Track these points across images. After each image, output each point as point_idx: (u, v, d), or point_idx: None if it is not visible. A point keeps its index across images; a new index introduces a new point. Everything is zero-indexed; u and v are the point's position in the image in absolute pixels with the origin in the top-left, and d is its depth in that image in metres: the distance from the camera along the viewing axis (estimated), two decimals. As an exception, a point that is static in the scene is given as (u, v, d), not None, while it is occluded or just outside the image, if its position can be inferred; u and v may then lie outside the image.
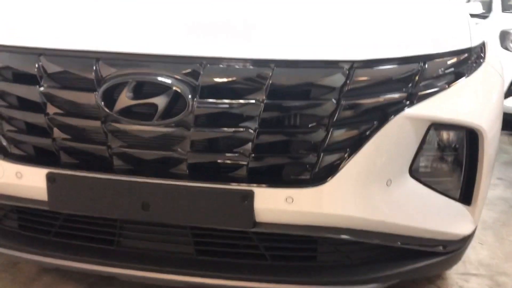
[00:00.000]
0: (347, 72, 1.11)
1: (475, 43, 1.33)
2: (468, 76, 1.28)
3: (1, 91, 1.24)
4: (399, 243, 1.25)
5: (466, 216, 1.34)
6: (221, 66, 1.12)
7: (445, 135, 1.28)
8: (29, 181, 1.24)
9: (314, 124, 1.12)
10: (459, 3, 1.53)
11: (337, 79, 1.11)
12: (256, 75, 1.10)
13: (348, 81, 1.11)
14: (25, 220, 1.37)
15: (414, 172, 1.24)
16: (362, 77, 1.13)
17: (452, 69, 1.24)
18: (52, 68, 1.18)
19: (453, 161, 1.31)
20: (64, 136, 1.20)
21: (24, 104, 1.22)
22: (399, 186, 1.21)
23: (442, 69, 1.22)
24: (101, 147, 1.18)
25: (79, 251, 1.30)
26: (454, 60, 1.25)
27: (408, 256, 1.30)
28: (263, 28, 1.18)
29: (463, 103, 1.24)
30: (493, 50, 1.55)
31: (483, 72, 1.34)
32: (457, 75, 1.25)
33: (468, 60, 1.28)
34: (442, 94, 1.21)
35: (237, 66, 1.11)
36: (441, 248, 1.32)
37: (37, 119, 1.21)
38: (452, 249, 1.34)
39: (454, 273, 1.92)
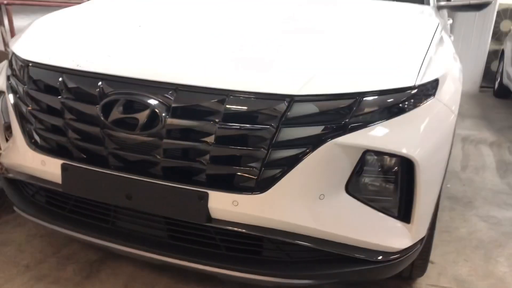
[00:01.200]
0: (287, 104, 1.36)
1: (423, 81, 1.49)
2: (408, 111, 1.46)
3: (35, 98, 1.63)
4: (331, 248, 1.47)
5: (404, 232, 1.53)
6: (188, 92, 1.41)
7: (382, 160, 1.48)
8: (49, 168, 1.62)
9: (257, 144, 1.38)
10: (424, 41, 1.67)
11: (277, 109, 1.36)
12: (214, 101, 1.39)
13: (287, 112, 1.36)
14: (50, 198, 1.77)
15: (351, 190, 1.46)
16: (299, 108, 1.37)
17: (389, 104, 1.43)
18: (69, 84, 1.55)
19: (391, 183, 1.50)
20: (75, 136, 1.56)
21: (49, 109, 1.60)
22: (332, 201, 1.44)
23: (378, 104, 1.42)
24: (100, 147, 1.53)
25: (84, 226, 1.67)
26: (392, 96, 1.43)
27: (345, 260, 1.52)
28: (222, 65, 1.46)
29: (397, 135, 1.43)
30: (451, 83, 1.69)
31: (428, 108, 1.50)
32: (395, 110, 1.44)
33: (409, 97, 1.46)
34: (376, 126, 1.41)
35: (200, 93, 1.40)
36: (376, 257, 1.52)
37: (57, 121, 1.58)
38: (387, 259, 1.53)
39: (424, 283, 2.08)
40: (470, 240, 2.48)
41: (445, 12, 2.72)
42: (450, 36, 3.29)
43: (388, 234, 1.52)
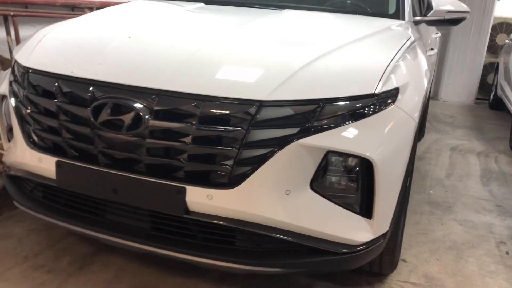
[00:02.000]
0: (256, 108, 1.52)
1: (383, 89, 1.64)
2: (368, 116, 1.62)
3: (33, 101, 1.80)
4: (296, 240, 1.62)
5: (365, 227, 1.68)
6: (168, 97, 1.58)
7: (344, 161, 1.63)
8: (45, 165, 1.79)
9: (229, 144, 1.54)
10: (389, 54, 1.83)
11: (247, 113, 1.52)
12: (191, 105, 1.55)
13: (256, 115, 1.52)
14: (46, 193, 1.93)
15: (315, 187, 1.61)
16: (267, 112, 1.53)
17: (350, 110, 1.59)
18: (64, 88, 1.72)
19: (352, 181, 1.65)
20: (68, 136, 1.73)
21: (46, 111, 1.77)
22: (298, 196, 1.59)
23: (340, 110, 1.58)
24: (91, 146, 1.69)
25: (76, 218, 1.83)
26: (353, 103, 1.59)
27: (311, 251, 1.66)
28: (199, 72, 1.63)
29: (357, 137, 1.58)
30: (414, 93, 1.85)
31: (387, 114, 1.66)
32: (355, 115, 1.60)
33: (369, 104, 1.62)
34: (338, 129, 1.57)
35: (179, 98, 1.57)
36: (340, 249, 1.66)
37: (53, 122, 1.75)
38: (350, 251, 1.68)
39: (395, 279, 2.22)
40: (444, 242, 2.61)
41: (424, 26, 2.87)
42: (431, 49, 3.45)
43: (351, 228, 1.67)
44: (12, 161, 1.96)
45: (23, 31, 3.39)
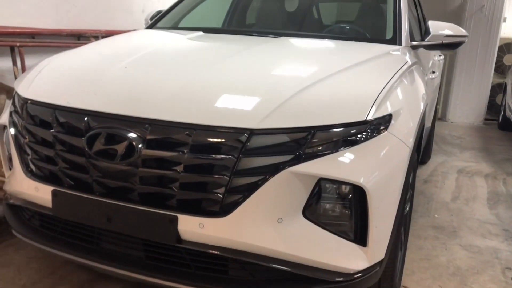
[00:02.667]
0: (247, 136, 1.53)
1: (375, 116, 1.64)
2: (360, 143, 1.61)
3: (31, 131, 1.83)
4: (290, 269, 1.60)
5: (360, 255, 1.66)
6: (161, 126, 1.60)
7: (336, 188, 1.62)
8: (42, 194, 1.81)
9: (220, 172, 1.55)
10: (382, 80, 1.84)
11: (238, 141, 1.53)
12: (183, 134, 1.57)
13: (246, 143, 1.53)
14: (43, 221, 1.94)
15: (308, 214, 1.60)
16: (258, 140, 1.54)
17: (342, 137, 1.59)
18: (60, 118, 1.75)
19: (346, 209, 1.64)
20: (64, 165, 1.75)
21: (42, 141, 1.80)
22: (290, 224, 1.58)
23: (331, 136, 1.58)
24: (86, 175, 1.71)
25: (72, 246, 1.83)
26: (344, 130, 1.59)
27: (306, 280, 1.64)
28: (191, 102, 1.65)
29: (348, 164, 1.58)
30: (409, 119, 1.84)
31: (379, 141, 1.65)
32: (347, 142, 1.60)
33: (360, 130, 1.62)
34: (330, 156, 1.57)
35: (171, 127, 1.59)
36: (334, 278, 1.64)
37: (49, 152, 1.77)
38: (345, 280, 1.65)
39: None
40: (448, 268, 2.56)
41: (424, 50, 2.88)
42: (433, 72, 3.45)
43: (346, 256, 1.65)
44: (12, 190, 1.99)
45: (29, 61, 3.47)
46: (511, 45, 7.90)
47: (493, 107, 7.79)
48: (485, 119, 7.25)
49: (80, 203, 1.73)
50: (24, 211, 2.02)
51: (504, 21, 7.01)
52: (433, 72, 3.55)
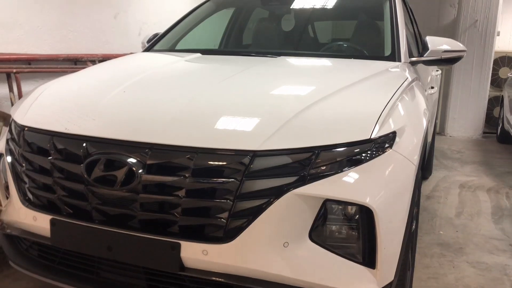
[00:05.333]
0: (249, 159, 1.49)
1: (379, 134, 1.61)
2: (365, 162, 1.58)
3: (28, 159, 1.79)
4: (298, 294, 1.55)
5: (369, 277, 1.60)
6: (161, 150, 1.56)
7: (343, 209, 1.58)
8: (40, 223, 1.76)
9: (224, 196, 1.50)
10: (384, 97, 1.81)
11: (241, 164, 1.49)
12: (184, 158, 1.53)
13: (249, 166, 1.49)
14: (41, 251, 1.89)
15: (314, 237, 1.56)
16: (261, 162, 1.50)
17: (346, 156, 1.55)
18: (58, 145, 1.71)
19: (353, 230, 1.59)
20: (62, 193, 1.71)
21: (40, 168, 1.76)
22: (297, 248, 1.53)
23: (336, 156, 1.54)
24: (85, 203, 1.67)
25: (71, 277, 1.78)
26: (348, 149, 1.56)
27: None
28: (191, 125, 1.61)
29: (354, 184, 1.54)
30: (413, 136, 1.81)
31: (385, 159, 1.62)
32: (352, 161, 1.56)
33: (365, 149, 1.58)
34: (335, 176, 1.53)
35: (172, 151, 1.55)
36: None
37: (47, 180, 1.73)
38: (354, 304, 1.60)
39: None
40: (456, 286, 2.50)
41: (422, 65, 2.87)
42: (432, 87, 3.45)
43: (354, 279, 1.59)
44: (9, 220, 1.94)
45: (26, 87, 3.45)
46: (506, 58, 7.95)
47: (491, 120, 7.80)
48: (484, 132, 7.24)
49: (79, 232, 1.68)
50: (22, 241, 1.96)
51: (498, 35, 7.06)
52: (432, 88, 3.54)
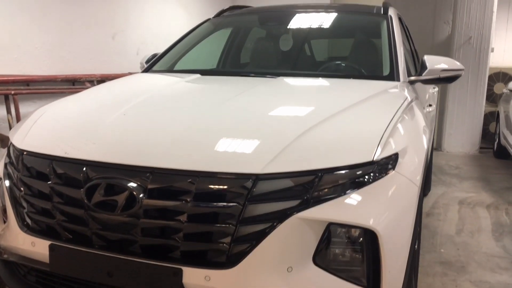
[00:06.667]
0: (252, 182, 1.48)
1: (381, 156, 1.60)
2: (368, 184, 1.57)
3: (27, 184, 1.77)
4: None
5: (374, 301, 1.58)
6: (162, 174, 1.55)
7: (347, 232, 1.56)
8: (39, 249, 1.73)
9: (226, 220, 1.48)
10: (385, 119, 1.81)
11: (243, 188, 1.48)
12: (186, 182, 1.51)
13: (252, 189, 1.48)
14: (39, 277, 1.86)
15: (318, 261, 1.53)
16: (264, 186, 1.49)
17: (349, 178, 1.54)
18: (58, 170, 1.69)
19: (357, 253, 1.58)
20: (62, 218, 1.68)
21: (39, 193, 1.74)
22: (301, 272, 1.51)
23: (339, 179, 1.53)
24: (84, 228, 1.64)
25: (71, 304, 1.75)
26: (351, 172, 1.55)
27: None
28: (192, 149, 1.60)
29: (358, 207, 1.53)
30: (415, 156, 1.80)
31: (388, 181, 1.61)
32: (355, 183, 1.55)
33: (368, 171, 1.57)
34: (338, 199, 1.52)
35: (173, 175, 1.54)
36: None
37: (46, 205, 1.71)
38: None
39: None
40: (460, 307, 2.48)
41: (419, 84, 2.88)
42: (430, 105, 3.46)
43: (359, 304, 1.57)
44: (6, 245, 1.91)
45: (24, 108, 3.44)
46: (500, 74, 8.02)
47: (487, 135, 7.83)
48: (480, 147, 7.26)
49: (79, 257, 1.66)
50: (19, 267, 1.93)
51: (492, 51, 7.13)
52: (430, 105, 3.55)
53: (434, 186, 5.02)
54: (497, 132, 6.85)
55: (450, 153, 7.16)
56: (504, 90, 6.86)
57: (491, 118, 7.85)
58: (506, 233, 3.66)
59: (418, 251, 2.36)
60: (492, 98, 7.99)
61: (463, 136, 7.15)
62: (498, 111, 6.98)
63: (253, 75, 2.62)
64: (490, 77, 7.52)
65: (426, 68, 2.61)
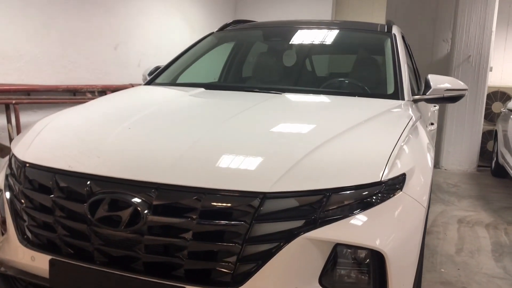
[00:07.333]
0: (259, 201, 1.46)
1: (389, 176, 1.59)
2: (375, 205, 1.55)
3: (29, 196, 1.74)
4: None
5: (383, 324, 1.56)
6: (168, 190, 1.52)
7: (354, 253, 1.54)
8: (38, 263, 1.70)
9: (232, 239, 1.46)
10: (392, 139, 1.80)
11: (250, 206, 1.46)
12: (192, 199, 1.49)
13: (259, 208, 1.46)
14: (38, 292, 1.82)
15: (324, 282, 1.51)
16: (271, 205, 1.47)
17: (357, 199, 1.53)
18: (61, 183, 1.67)
19: (364, 274, 1.55)
20: (64, 232, 1.65)
21: (41, 207, 1.71)
22: (307, 294, 1.49)
23: (347, 199, 1.52)
24: (87, 243, 1.61)
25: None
26: (359, 192, 1.53)
27: None
28: (199, 165, 1.58)
29: (365, 228, 1.51)
30: (421, 176, 1.79)
31: (395, 201, 1.60)
32: (363, 204, 1.53)
33: (375, 192, 1.56)
34: (346, 220, 1.50)
35: (179, 192, 1.51)
36: None
37: (48, 218, 1.68)
38: None
39: None
40: (462, 329, 2.44)
41: (421, 103, 2.88)
42: (432, 124, 3.46)
43: (365, 326, 1.54)
44: (5, 258, 1.87)
45: (24, 117, 3.41)
46: (498, 93, 8.07)
47: (485, 153, 7.84)
48: (478, 166, 7.27)
49: (80, 273, 1.62)
50: (17, 281, 1.89)
51: (491, 70, 7.17)
52: (432, 124, 3.55)
53: (433, 204, 5.01)
54: (495, 151, 6.87)
55: (448, 171, 7.16)
56: (502, 109, 6.90)
57: (489, 136, 7.88)
58: (506, 253, 3.63)
59: (421, 271, 2.33)
60: (490, 117, 8.02)
61: (461, 154, 7.16)
62: (496, 130, 7.01)
63: (257, 90, 2.61)
64: (488, 96, 7.56)
65: (430, 87, 2.61)
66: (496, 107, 8.07)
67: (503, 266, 3.36)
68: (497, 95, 8.07)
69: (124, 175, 1.59)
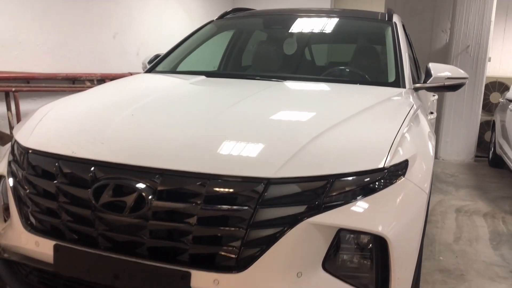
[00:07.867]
0: (263, 186, 1.47)
1: (392, 162, 1.60)
2: (378, 191, 1.56)
3: (32, 182, 1.74)
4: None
5: (383, 308, 1.57)
6: (173, 176, 1.53)
7: (357, 238, 1.56)
8: (43, 249, 1.70)
9: (236, 224, 1.47)
10: (395, 125, 1.81)
11: (255, 191, 1.47)
12: (197, 184, 1.50)
13: (263, 193, 1.47)
14: (42, 277, 1.83)
15: (327, 267, 1.52)
16: (275, 190, 1.48)
17: (360, 185, 1.54)
18: (64, 169, 1.67)
19: (366, 260, 1.57)
20: (68, 218, 1.66)
21: (45, 192, 1.71)
22: (310, 278, 1.50)
23: (350, 185, 1.53)
24: (91, 229, 1.62)
25: (74, 305, 1.72)
26: (362, 178, 1.54)
27: None
28: (204, 150, 1.59)
29: (368, 214, 1.52)
30: (423, 163, 1.80)
31: (398, 188, 1.61)
32: (366, 190, 1.54)
33: (378, 178, 1.57)
34: (349, 205, 1.51)
35: (184, 177, 1.52)
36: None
37: (51, 204, 1.68)
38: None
39: None
40: (461, 315, 2.47)
41: (422, 91, 2.89)
42: (432, 113, 3.47)
43: (367, 310, 1.56)
44: (8, 244, 1.88)
45: (24, 105, 3.40)
46: (497, 83, 8.08)
47: (482, 144, 7.88)
48: (476, 156, 7.30)
49: (84, 259, 1.63)
50: (21, 267, 1.90)
51: (489, 60, 7.18)
52: (431, 113, 3.56)
53: (431, 194, 5.01)
54: (493, 141, 6.90)
55: (446, 161, 7.19)
56: (501, 100, 6.92)
57: (486, 127, 7.91)
58: (504, 242, 3.67)
59: (420, 258, 2.36)
60: (488, 107, 8.05)
61: (459, 144, 7.19)
62: (494, 120, 7.03)
63: (259, 78, 2.61)
64: (486, 86, 7.56)
65: (431, 75, 2.62)
66: (494, 97, 8.09)
67: (501, 254, 3.39)
68: (495, 86, 8.09)
69: (129, 161, 1.59)
